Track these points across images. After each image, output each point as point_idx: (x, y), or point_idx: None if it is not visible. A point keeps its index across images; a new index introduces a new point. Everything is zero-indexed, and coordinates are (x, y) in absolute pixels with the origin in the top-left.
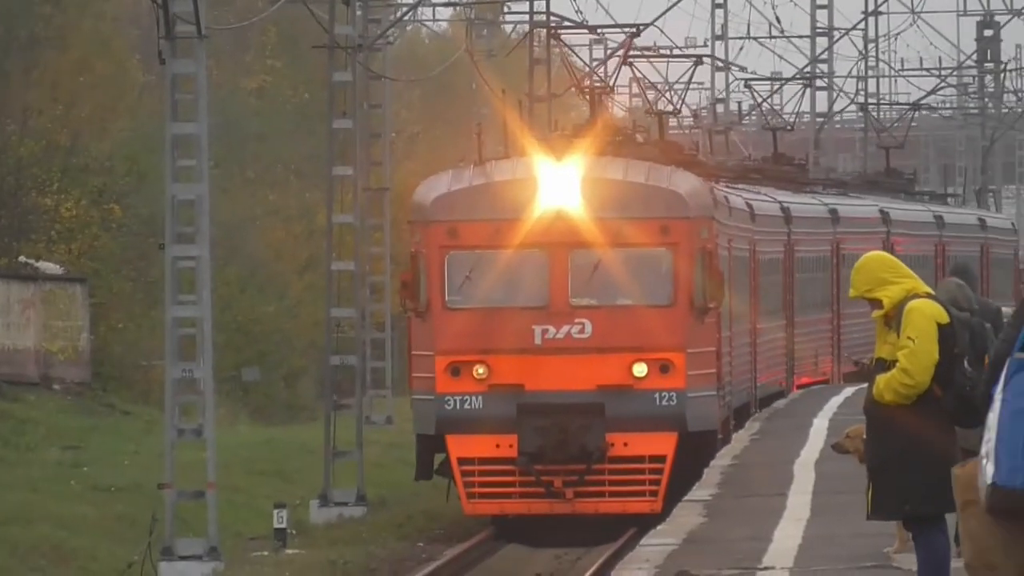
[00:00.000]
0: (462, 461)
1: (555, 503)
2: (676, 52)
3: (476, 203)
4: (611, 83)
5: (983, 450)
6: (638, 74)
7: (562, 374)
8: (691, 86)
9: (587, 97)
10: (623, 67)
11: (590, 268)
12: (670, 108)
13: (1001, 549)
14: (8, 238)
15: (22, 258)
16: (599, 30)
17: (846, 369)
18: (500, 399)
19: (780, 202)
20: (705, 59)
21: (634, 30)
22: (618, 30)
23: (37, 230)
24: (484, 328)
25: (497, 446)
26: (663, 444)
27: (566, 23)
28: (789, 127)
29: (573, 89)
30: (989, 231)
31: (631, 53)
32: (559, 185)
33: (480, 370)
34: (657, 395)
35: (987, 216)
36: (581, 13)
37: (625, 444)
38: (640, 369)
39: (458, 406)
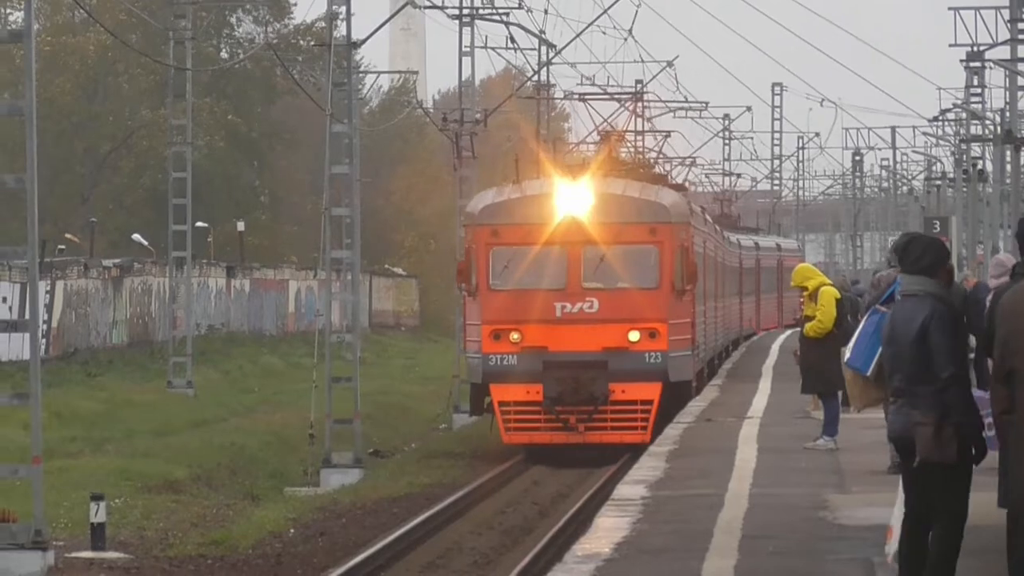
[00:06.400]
0: (502, 404)
1: (571, 435)
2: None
3: (513, 211)
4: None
5: (850, 344)
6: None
7: (576, 339)
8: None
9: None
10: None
11: (597, 260)
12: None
13: (859, 391)
14: (380, 255)
15: (386, 265)
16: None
17: (787, 322)
18: (530, 357)
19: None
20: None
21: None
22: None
23: (391, 252)
24: (518, 304)
25: (528, 392)
26: (651, 391)
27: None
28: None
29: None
30: (783, 251)
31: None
32: (575, 198)
33: (515, 336)
34: (647, 355)
35: (782, 241)
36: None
37: (623, 391)
38: (634, 335)
39: (499, 362)
